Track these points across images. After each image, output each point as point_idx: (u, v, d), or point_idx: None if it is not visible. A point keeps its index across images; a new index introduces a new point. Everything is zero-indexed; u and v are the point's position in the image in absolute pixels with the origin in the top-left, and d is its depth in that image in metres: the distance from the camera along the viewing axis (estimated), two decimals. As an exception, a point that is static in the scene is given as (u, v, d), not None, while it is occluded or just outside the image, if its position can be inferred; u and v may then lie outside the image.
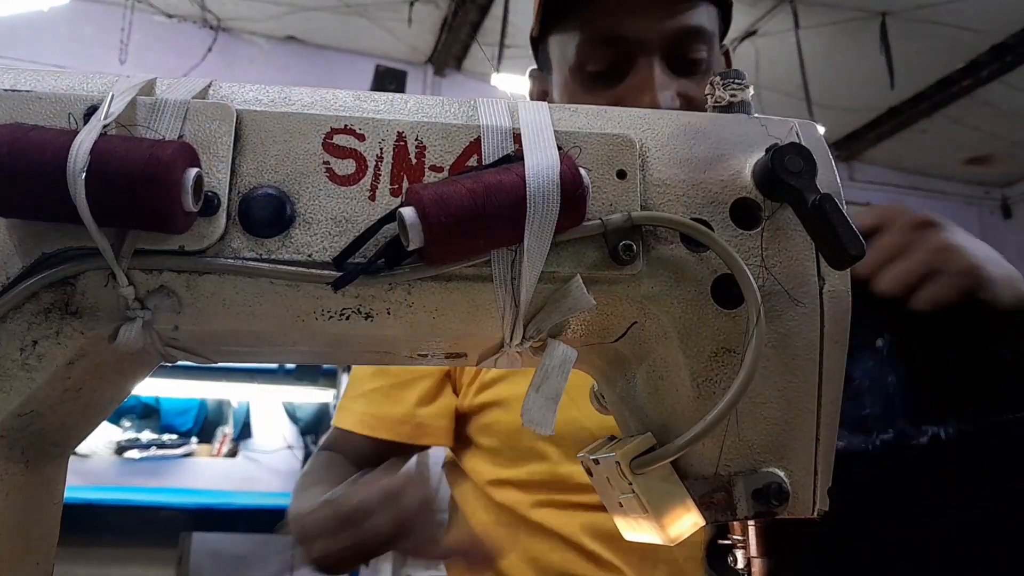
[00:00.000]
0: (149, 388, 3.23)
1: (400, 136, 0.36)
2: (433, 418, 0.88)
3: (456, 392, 0.91)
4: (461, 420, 0.90)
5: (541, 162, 0.35)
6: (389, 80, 3.23)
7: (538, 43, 0.81)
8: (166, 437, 3.41)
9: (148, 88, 0.36)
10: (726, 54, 0.83)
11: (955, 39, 3.45)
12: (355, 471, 0.83)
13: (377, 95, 0.39)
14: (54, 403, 0.36)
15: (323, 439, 0.94)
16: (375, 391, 0.90)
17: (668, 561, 0.75)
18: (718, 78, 0.43)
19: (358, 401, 0.90)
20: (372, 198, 0.35)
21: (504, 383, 0.86)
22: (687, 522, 0.38)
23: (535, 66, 0.85)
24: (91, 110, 0.33)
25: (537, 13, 0.78)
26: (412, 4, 3.50)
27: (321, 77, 3.79)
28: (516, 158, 0.36)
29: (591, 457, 0.41)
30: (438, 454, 0.97)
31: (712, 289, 0.38)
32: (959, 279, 0.52)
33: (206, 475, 3.44)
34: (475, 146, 0.37)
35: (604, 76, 0.73)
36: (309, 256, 0.34)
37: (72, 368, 0.35)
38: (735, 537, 0.40)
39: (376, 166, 0.36)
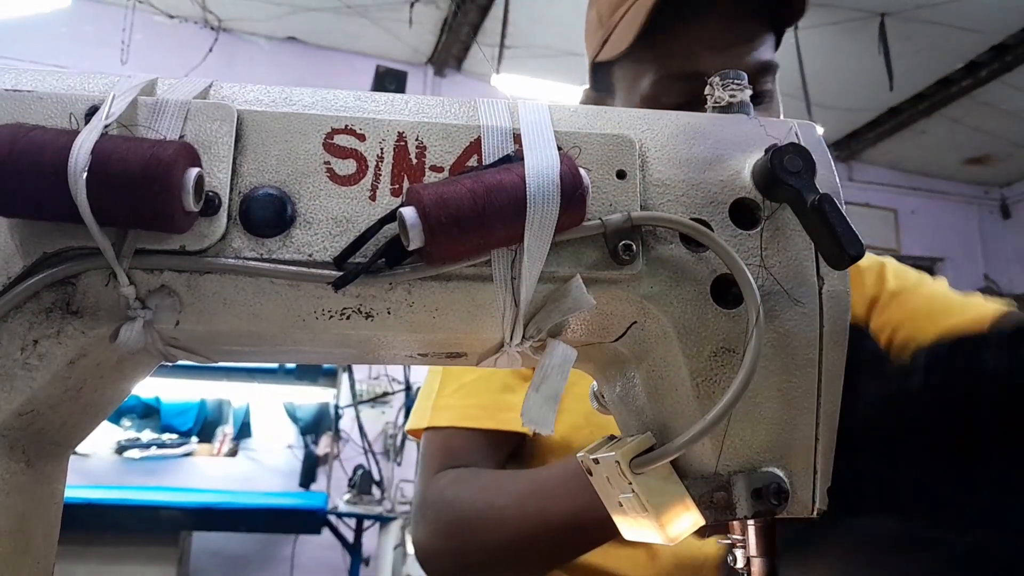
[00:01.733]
0: (149, 388, 3.23)
1: (400, 136, 0.36)
2: None
3: None
4: None
5: (541, 162, 0.35)
6: (389, 80, 3.23)
7: (598, 66, 0.82)
8: (166, 437, 3.41)
9: (149, 88, 0.36)
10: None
11: (954, 39, 3.44)
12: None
13: (377, 95, 0.39)
14: (55, 402, 0.36)
15: (432, 462, 0.86)
16: (472, 383, 0.87)
17: None
18: (717, 78, 0.43)
19: (455, 396, 0.87)
20: (372, 198, 0.35)
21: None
22: (687, 521, 0.38)
23: (587, 86, 0.86)
24: (92, 110, 0.33)
25: (603, 40, 0.79)
26: (412, 5, 3.50)
27: (321, 77, 3.79)
28: (516, 158, 0.36)
29: (591, 457, 0.42)
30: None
31: (712, 289, 0.38)
32: None
33: (206, 475, 3.44)
34: (475, 146, 0.37)
35: (681, 108, 0.73)
36: (310, 256, 0.34)
37: (73, 367, 0.35)
38: (735, 537, 0.40)
39: (376, 166, 0.36)
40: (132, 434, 3.36)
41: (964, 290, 0.82)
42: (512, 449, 0.87)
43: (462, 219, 0.33)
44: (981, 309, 0.77)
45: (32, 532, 0.37)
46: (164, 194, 0.31)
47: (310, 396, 3.35)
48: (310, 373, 3.07)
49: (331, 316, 0.36)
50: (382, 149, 0.36)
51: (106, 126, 0.32)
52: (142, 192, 0.31)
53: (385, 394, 3.43)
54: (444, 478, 0.82)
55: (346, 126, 0.36)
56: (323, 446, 3.57)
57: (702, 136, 0.40)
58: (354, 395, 3.23)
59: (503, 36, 3.43)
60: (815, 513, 0.39)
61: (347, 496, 3.10)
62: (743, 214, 0.39)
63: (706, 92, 0.43)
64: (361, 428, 3.16)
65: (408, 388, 3.27)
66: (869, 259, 0.87)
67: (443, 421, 0.86)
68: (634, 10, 0.75)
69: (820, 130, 0.43)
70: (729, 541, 0.41)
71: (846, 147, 4.49)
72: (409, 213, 0.33)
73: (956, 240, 4.78)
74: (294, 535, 3.29)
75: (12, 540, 0.35)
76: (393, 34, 3.74)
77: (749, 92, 0.42)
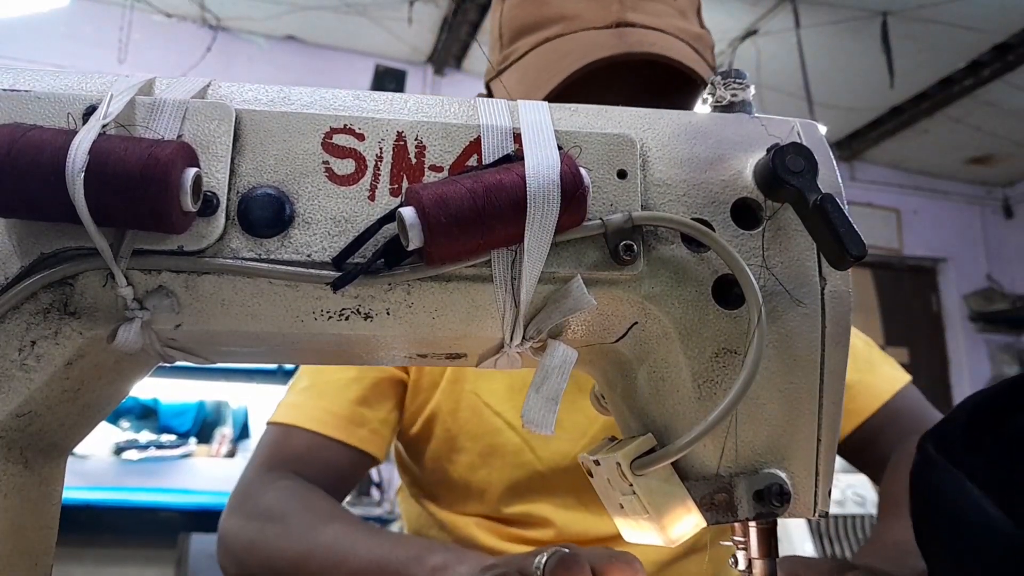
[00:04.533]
0: (148, 389, 3.22)
1: (400, 136, 0.36)
2: (382, 424, 0.80)
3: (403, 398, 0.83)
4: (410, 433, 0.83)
5: (541, 162, 0.34)
6: (389, 79, 3.23)
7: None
8: (164, 438, 3.40)
9: (147, 88, 0.36)
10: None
11: (957, 38, 3.44)
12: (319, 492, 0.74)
13: (377, 94, 0.39)
14: (53, 403, 0.36)
15: (266, 452, 0.79)
16: (328, 384, 0.81)
17: None
18: (719, 78, 0.43)
19: (306, 394, 0.81)
20: (371, 198, 0.35)
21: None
22: (688, 523, 0.38)
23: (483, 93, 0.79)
24: (90, 110, 0.33)
25: (499, 68, 0.73)
26: (412, 3, 3.50)
27: (320, 76, 3.78)
28: (516, 158, 0.35)
29: (592, 458, 0.41)
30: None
31: (713, 289, 0.38)
32: None
33: (205, 476, 3.43)
34: (475, 146, 0.37)
35: None
36: (308, 256, 0.34)
37: (71, 368, 0.35)
38: (736, 538, 0.40)
39: (376, 166, 0.36)
40: (130, 435, 3.35)
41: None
42: (356, 471, 0.80)
43: (462, 219, 0.33)
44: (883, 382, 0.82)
45: (30, 534, 0.37)
46: (162, 194, 0.31)
47: (310, 396, 3.33)
48: (310, 373, 3.06)
49: (330, 317, 0.36)
50: (381, 149, 0.36)
51: (104, 126, 0.32)
52: (140, 192, 0.30)
53: (385, 394, 3.42)
54: (276, 486, 0.74)
55: (345, 125, 0.36)
56: (323, 446, 3.55)
57: (703, 136, 0.40)
58: (354, 395, 3.21)
59: (503, 36, 3.42)
60: (816, 515, 0.39)
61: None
62: (745, 214, 0.39)
63: (707, 91, 0.43)
64: (361, 428, 3.15)
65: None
66: None
67: (287, 418, 0.79)
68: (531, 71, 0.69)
69: (822, 129, 0.42)
70: (730, 543, 0.41)
71: (848, 147, 4.48)
72: (408, 213, 0.32)
73: (959, 240, 4.78)
74: (294, 535, 3.28)
75: (10, 541, 0.35)
76: (392, 33, 3.73)
77: (751, 91, 0.42)
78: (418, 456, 0.85)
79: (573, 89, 0.66)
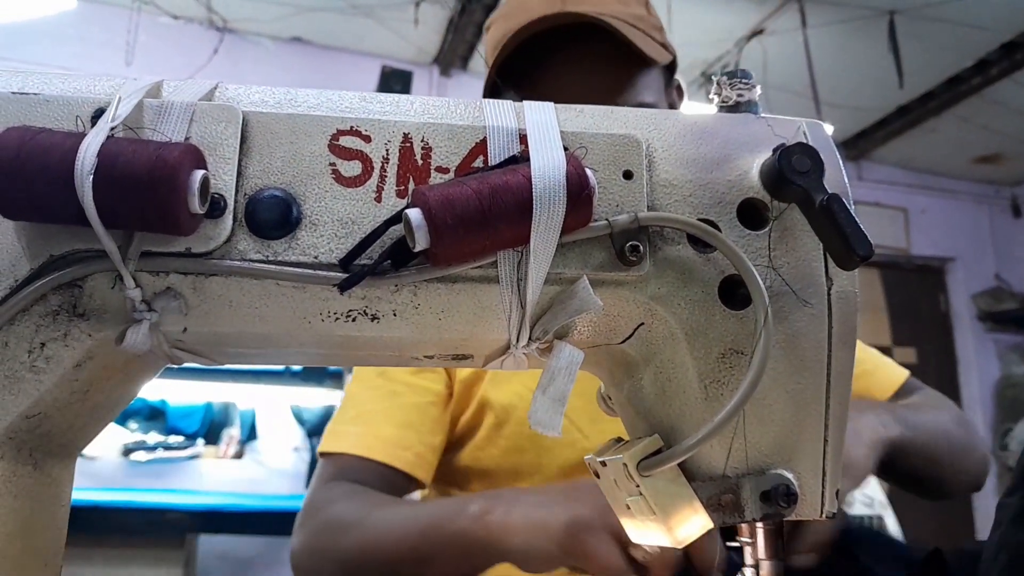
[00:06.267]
0: (155, 390, 3.24)
1: (406, 137, 0.36)
2: (426, 448, 0.84)
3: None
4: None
5: (547, 163, 0.34)
6: (395, 81, 3.24)
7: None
8: (172, 439, 3.42)
9: (155, 90, 0.36)
10: (677, 88, 0.90)
11: (964, 37, 3.42)
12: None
13: (383, 96, 0.39)
14: (62, 405, 0.36)
15: (324, 477, 0.84)
16: (372, 413, 0.85)
17: None
18: (725, 78, 0.43)
19: (354, 424, 0.85)
20: (378, 200, 0.35)
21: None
22: (695, 524, 0.38)
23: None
24: (98, 113, 0.33)
25: (488, 76, 0.82)
26: (418, 5, 3.50)
27: (327, 78, 3.79)
28: (522, 159, 0.35)
29: (598, 459, 0.41)
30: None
31: (719, 290, 0.38)
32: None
33: (213, 477, 3.44)
34: (481, 147, 0.37)
35: None
36: (315, 258, 0.34)
37: (80, 370, 0.35)
38: (743, 539, 0.40)
39: (382, 167, 0.36)
40: (138, 436, 3.36)
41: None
42: (399, 493, 0.83)
43: (468, 220, 0.33)
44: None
45: (39, 534, 0.37)
46: (170, 196, 0.31)
47: (316, 398, 3.34)
48: (316, 375, 3.07)
49: (336, 318, 0.36)
50: (387, 150, 0.36)
51: (112, 128, 0.32)
52: (148, 194, 0.31)
53: (391, 395, 3.42)
54: (336, 488, 0.79)
55: (351, 127, 0.36)
56: (330, 447, 3.55)
57: (709, 136, 0.40)
58: (360, 396, 3.21)
59: (509, 37, 3.42)
60: (823, 516, 0.39)
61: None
62: (751, 214, 0.39)
63: (713, 91, 0.43)
64: (368, 429, 3.14)
65: (414, 389, 3.26)
66: None
67: (337, 447, 0.83)
68: (493, 52, 0.82)
69: (829, 129, 0.42)
70: (738, 543, 0.41)
71: (855, 146, 4.47)
72: (415, 215, 0.32)
73: (966, 239, 4.75)
74: (301, 536, 3.28)
75: (20, 542, 0.35)
76: (398, 34, 3.74)
77: (757, 91, 0.42)
78: (461, 449, 0.87)
79: (526, 63, 0.78)
